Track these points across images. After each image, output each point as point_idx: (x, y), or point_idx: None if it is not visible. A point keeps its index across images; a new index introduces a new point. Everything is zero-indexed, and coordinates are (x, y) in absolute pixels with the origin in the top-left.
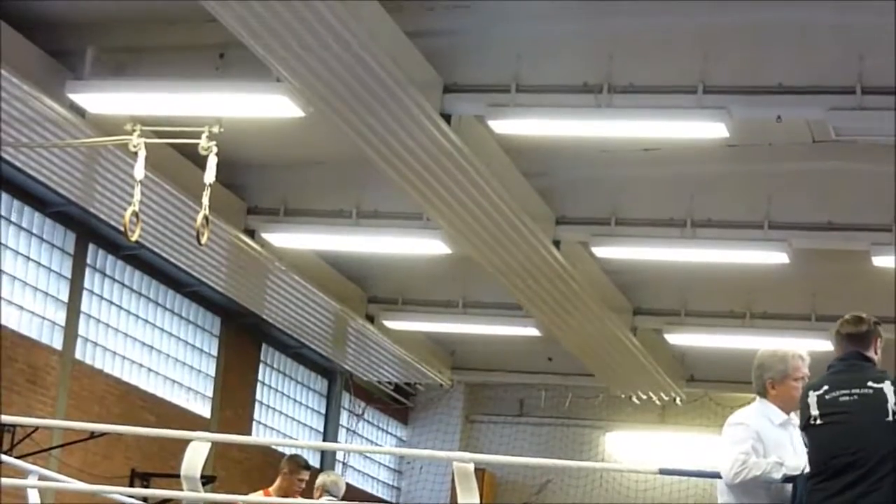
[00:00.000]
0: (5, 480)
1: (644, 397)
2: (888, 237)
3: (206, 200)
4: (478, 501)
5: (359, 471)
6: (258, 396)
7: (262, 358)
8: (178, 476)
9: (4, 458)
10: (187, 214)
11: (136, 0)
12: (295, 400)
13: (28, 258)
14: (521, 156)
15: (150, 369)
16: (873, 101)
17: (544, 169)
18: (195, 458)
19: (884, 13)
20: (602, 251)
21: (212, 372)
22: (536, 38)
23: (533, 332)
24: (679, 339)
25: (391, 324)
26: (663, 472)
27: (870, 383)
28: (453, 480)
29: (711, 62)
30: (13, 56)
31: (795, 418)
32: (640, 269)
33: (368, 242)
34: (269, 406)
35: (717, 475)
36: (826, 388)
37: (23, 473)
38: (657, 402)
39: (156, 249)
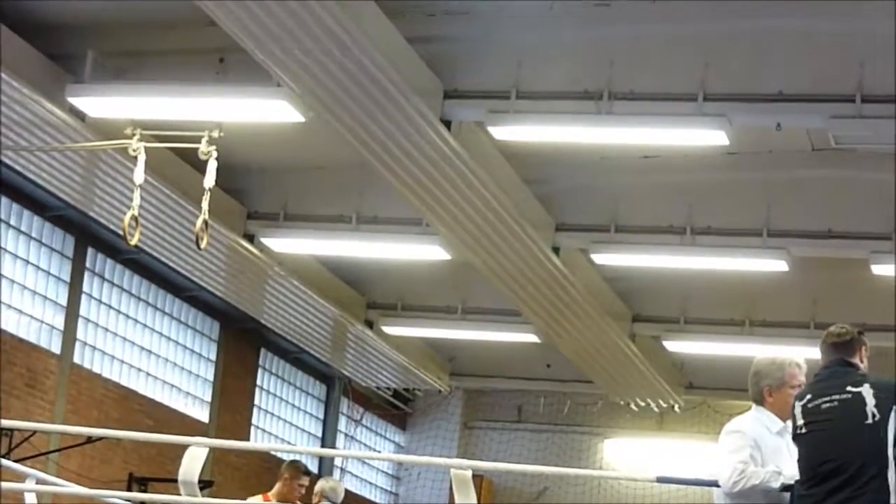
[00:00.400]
0: (4, 484)
1: (642, 404)
2: (888, 245)
3: (205, 205)
4: None
5: (357, 476)
6: (257, 401)
7: (260, 363)
8: (175, 481)
9: (3, 461)
10: (187, 219)
11: (137, 4)
12: (293, 405)
13: (27, 262)
14: (521, 162)
15: (148, 374)
16: (873, 109)
17: (544, 175)
18: (193, 463)
19: (884, 21)
20: (601, 258)
21: (210, 377)
22: (537, 44)
23: (532, 338)
24: (678, 346)
25: (390, 329)
26: (661, 480)
27: (849, 388)
28: (451, 486)
29: (711, 70)
30: (13, 59)
31: None
32: (640, 276)
33: (368, 248)
34: (267, 411)
35: (714, 484)
36: (809, 396)
37: (21, 477)
38: (656, 409)
39: (155, 254)
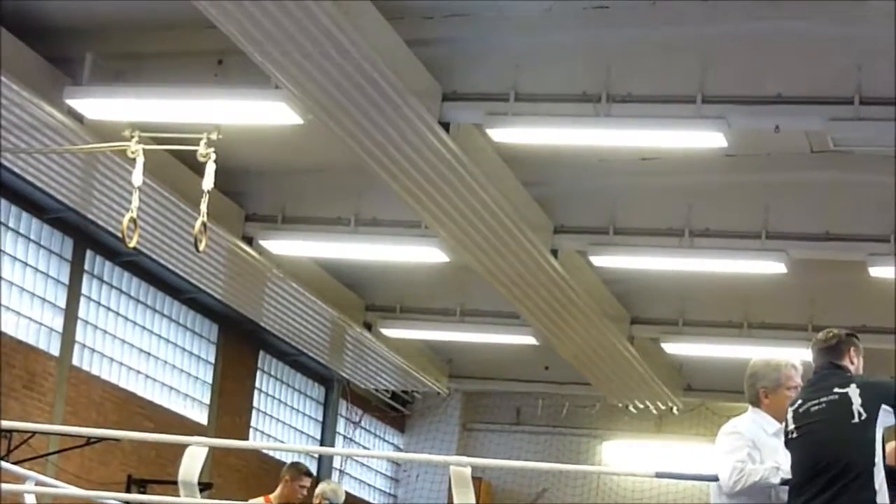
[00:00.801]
0: (3, 486)
1: (641, 406)
2: (886, 248)
3: (204, 207)
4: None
5: (356, 478)
6: (255, 404)
7: (259, 365)
8: (174, 483)
9: (2, 463)
10: (185, 221)
11: (135, 6)
12: (292, 407)
13: (26, 264)
14: (520, 164)
15: (147, 376)
16: (872, 111)
17: (542, 178)
18: (192, 464)
19: (882, 24)
20: (600, 260)
21: (209, 379)
22: (535, 47)
23: (530, 340)
24: (676, 348)
25: (389, 332)
26: (660, 475)
27: (835, 389)
28: (450, 488)
29: (710, 72)
30: (12, 62)
31: None
32: (638, 279)
33: (366, 250)
34: (266, 413)
35: (712, 478)
36: (800, 402)
37: (20, 479)
38: (654, 411)
39: (154, 256)
